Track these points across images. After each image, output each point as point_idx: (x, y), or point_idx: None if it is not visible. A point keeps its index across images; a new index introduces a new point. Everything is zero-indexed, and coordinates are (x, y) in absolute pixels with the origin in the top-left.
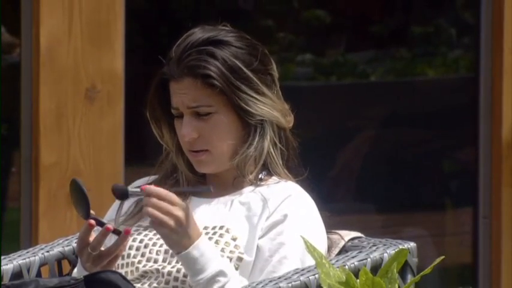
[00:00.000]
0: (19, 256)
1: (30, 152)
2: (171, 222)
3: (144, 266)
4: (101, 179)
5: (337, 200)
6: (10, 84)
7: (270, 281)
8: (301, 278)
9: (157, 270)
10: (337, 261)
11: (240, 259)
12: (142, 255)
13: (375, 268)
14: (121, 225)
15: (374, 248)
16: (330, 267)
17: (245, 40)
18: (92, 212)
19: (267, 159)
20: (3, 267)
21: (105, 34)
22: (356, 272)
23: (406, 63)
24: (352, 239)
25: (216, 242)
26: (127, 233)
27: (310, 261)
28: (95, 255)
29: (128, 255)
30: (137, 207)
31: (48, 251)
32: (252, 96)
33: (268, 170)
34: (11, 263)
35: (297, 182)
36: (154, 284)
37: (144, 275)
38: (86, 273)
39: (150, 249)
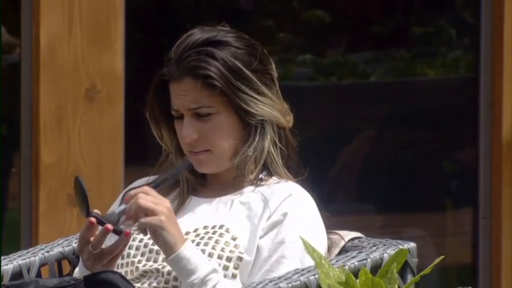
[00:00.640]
0: (19, 256)
1: (30, 152)
2: (162, 211)
3: (144, 265)
4: (101, 179)
5: (337, 200)
6: (10, 84)
7: (270, 281)
8: (301, 278)
9: (157, 269)
10: (337, 261)
11: (240, 259)
12: (142, 254)
13: (375, 268)
14: (121, 225)
15: (374, 248)
16: (330, 267)
17: (244, 40)
18: (96, 210)
19: (267, 159)
20: (3, 267)
21: (105, 34)
22: (356, 272)
23: (406, 63)
24: (352, 239)
25: (216, 242)
26: (127, 235)
27: (310, 262)
28: (96, 253)
29: (128, 255)
30: None
31: (48, 251)
32: (252, 96)
33: (268, 170)
34: (11, 263)
35: (297, 182)
36: (154, 284)
37: (144, 274)
38: (87, 272)
39: (150, 249)
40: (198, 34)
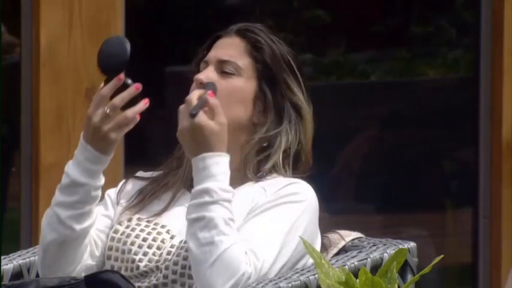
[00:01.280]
0: (19, 256)
1: (30, 152)
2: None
3: (145, 266)
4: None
5: (337, 200)
6: (10, 84)
7: (270, 281)
8: (301, 278)
9: (157, 267)
10: (336, 261)
11: None
12: (144, 254)
13: (375, 268)
14: (122, 214)
15: (374, 248)
16: (330, 267)
17: (292, 50)
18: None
19: (277, 157)
20: (3, 267)
21: (105, 34)
22: (356, 272)
23: (406, 63)
24: (352, 239)
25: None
26: (137, 88)
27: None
28: (107, 115)
29: (129, 251)
30: (138, 198)
31: None
32: (291, 88)
33: (273, 168)
34: (11, 263)
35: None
36: (154, 281)
37: (144, 274)
38: (87, 149)
39: (149, 244)
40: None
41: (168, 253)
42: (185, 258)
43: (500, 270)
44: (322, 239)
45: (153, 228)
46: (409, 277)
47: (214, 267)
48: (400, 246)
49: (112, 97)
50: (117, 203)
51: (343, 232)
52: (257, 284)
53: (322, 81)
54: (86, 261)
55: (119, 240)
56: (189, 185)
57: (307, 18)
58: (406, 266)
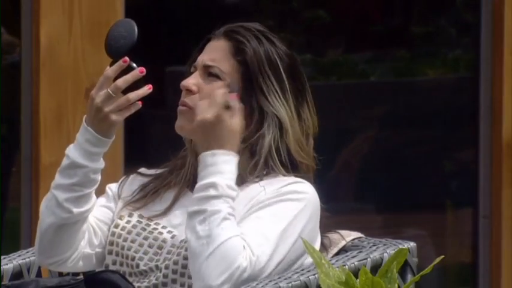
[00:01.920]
0: (19, 256)
1: (30, 152)
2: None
3: (145, 264)
4: (101, 178)
5: (337, 199)
6: (10, 84)
7: (270, 281)
8: (301, 278)
9: (157, 266)
10: (337, 261)
11: None
12: (145, 252)
13: (375, 268)
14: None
15: (374, 247)
16: (330, 267)
17: (289, 50)
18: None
19: (268, 158)
20: (3, 267)
21: (105, 34)
22: (356, 272)
23: (406, 63)
24: (353, 239)
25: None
26: (141, 72)
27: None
28: (110, 95)
29: (129, 248)
30: (140, 194)
31: None
32: (276, 91)
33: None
34: (11, 263)
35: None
36: (154, 281)
37: (144, 273)
38: (88, 132)
39: (150, 243)
40: (253, 23)
41: (169, 252)
42: (185, 258)
43: (500, 270)
44: (322, 238)
45: (154, 228)
46: (409, 277)
47: (210, 260)
48: (400, 246)
49: (116, 80)
50: (119, 197)
51: (343, 232)
52: (257, 284)
53: (322, 81)
54: (83, 248)
55: (119, 235)
56: (191, 185)
57: (307, 18)
58: (406, 266)
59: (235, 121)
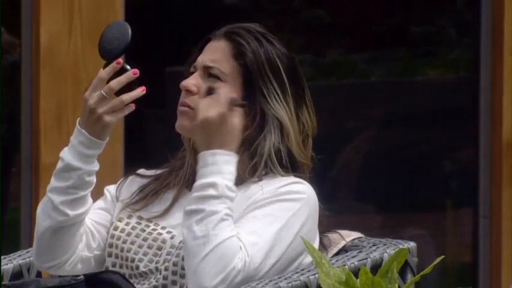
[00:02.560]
0: (19, 256)
1: (30, 152)
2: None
3: (145, 266)
4: (101, 179)
5: (337, 199)
6: (10, 84)
7: (270, 281)
8: (301, 278)
9: (156, 268)
10: (337, 260)
11: None
12: (144, 254)
13: (375, 268)
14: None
15: (374, 247)
16: (330, 267)
17: (288, 52)
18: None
19: (268, 161)
20: (3, 267)
21: None
22: (356, 272)
23: (406, 63)
24: (353, 239)
25: None
26: (135, 73)
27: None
28: (103, 97)
29: (129, 250)
30: (139, 195)
31: None
32: (277, 93)
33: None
34: (11, 263)
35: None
36: (154, 283)
37: (144, 275)
38: (81, 134)
39: (150, 244)
40: (253, 24)
41: (168, 253)
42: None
43: (500, 270)
44: (322, 238)
45: (154, 229)
46: (409, 277)
47: (206, 260)
48: (400, 246)
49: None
50: (117, 199)
51: (343, 232)
52: (257, 284)
53: (322, 82)
54: (81, 251)
55: (119, 237)
56: (190, 185)
57: (307, 18)
58: (406, 266)
59: (237, 121)
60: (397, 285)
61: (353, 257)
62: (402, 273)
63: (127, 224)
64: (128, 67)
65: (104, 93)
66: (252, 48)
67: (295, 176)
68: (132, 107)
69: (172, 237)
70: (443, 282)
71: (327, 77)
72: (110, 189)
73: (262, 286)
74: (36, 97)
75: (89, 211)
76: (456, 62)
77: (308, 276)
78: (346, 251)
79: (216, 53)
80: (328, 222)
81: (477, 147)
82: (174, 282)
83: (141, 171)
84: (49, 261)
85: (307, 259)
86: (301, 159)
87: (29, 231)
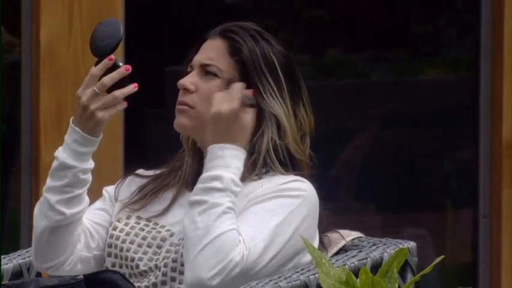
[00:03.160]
0: (19, 256)
1: (30, 151)
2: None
3: (145, 265)
4: (101, 179)
5: (337, 199)
6: (10, 84)
7: (270, 280)
8: (301, 277)
9: (156, 265)
10: (337, 260)
11: None
12: (144, 253)
13: (375, 267)
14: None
15: (374, 247)
16: (330, 266)
17: (285, 50)
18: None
19: (266, 158)
20: (3, 267)
21: None
22: (356, 272)
23: (406, 63)
24: (353, 239)
25: None
26: (127, 70)
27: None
28: (96, 93)
29: (128, 249)
30: (138, 195)
31: None
32: (273, 90)
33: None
34: (11, 262)
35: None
36: (153, 280)
37: (143, 274)
38: (75, 131)
39: (149, 243)
40: (248, 23)
41: (168, 251)
42: None
43: (500, 270)
44: (322, 238)
45: (153, 228)
46: (409, 277)
47: (205, 251)
48: (400, 246)
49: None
50: (116, 199)
51: (343, 231)
52: (257, 284)
53: (322, 81)
54: (80, 252)
55: (118, 237)
56: (190, 185)
57: (307, 18)
58: (406, 266)
59: (248, 118)
60: (397, 285)
61: (353, 256)
62: (402, 273)
63: (126, 224)
64: (120, 63)
65: (97, 90)
66: (248, 45)
67: (296, 174)
68: (125, 103)
69: (171, 235)
70: (443, 282)
71: (327, 76)
72: (109, 190)
73: (262, 286)
74: (36, 97)
75: (86, 210)
76: (456, 62)
77: (308, 276)
78: (346, 251)
79: (212, 51)
80: (328, 221)
81: (477, 147)
82: (173, 279)
83: (140, 171)
84: (48, 261)
85: (306, 258)
86: (299, 156)
87: (29, 231)
